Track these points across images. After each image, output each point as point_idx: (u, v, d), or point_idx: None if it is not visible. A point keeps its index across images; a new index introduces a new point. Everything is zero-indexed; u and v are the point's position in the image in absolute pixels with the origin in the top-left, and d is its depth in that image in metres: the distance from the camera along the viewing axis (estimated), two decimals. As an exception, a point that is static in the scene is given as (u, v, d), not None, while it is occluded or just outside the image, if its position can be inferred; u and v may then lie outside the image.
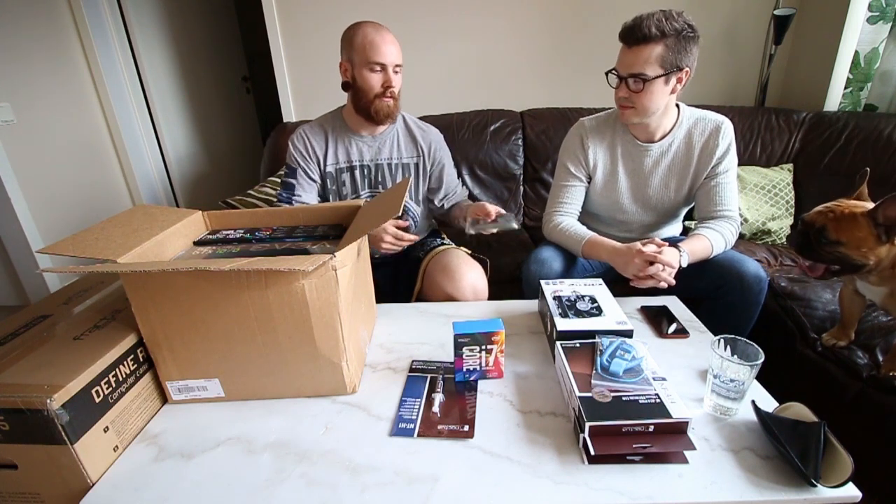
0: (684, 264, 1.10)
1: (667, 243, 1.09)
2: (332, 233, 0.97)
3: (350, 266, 0.80)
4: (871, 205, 0.89)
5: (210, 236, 0.97)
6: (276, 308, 0.73)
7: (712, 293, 1.19)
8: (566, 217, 1.30)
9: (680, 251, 1.09)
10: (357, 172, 1.32)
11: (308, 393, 0.82)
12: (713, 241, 1.16)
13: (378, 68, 1.21)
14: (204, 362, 0.78)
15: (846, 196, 0.96)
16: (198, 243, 0.96)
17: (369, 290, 1.02)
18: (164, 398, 0.82)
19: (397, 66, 1.23)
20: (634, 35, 1.07)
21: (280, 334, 0.75)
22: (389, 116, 1.26)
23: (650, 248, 1.07)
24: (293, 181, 1.30)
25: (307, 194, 1.30)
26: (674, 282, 1.05)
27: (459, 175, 2.03)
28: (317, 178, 1.32)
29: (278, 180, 1.89)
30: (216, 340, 0.76)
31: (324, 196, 1.35)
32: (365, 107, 1.24)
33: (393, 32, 1.23)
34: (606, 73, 1.17)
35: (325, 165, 1.30)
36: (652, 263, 1.05)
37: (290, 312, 0.73)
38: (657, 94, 1.11)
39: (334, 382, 0.80)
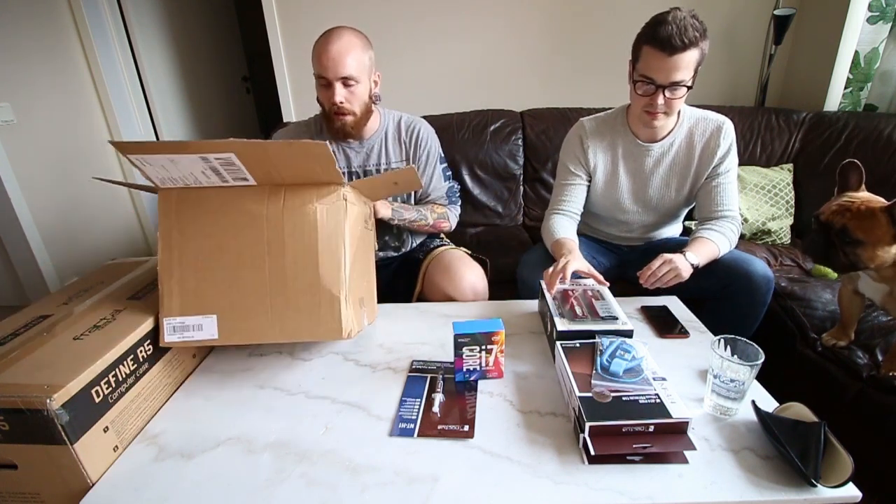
0: (693, 262, 1.09)
1: (668, 257, 1.06)
2: None
3: (358, 209, 0.85)
4: (883, 200, 0.88)
5: None
6: (288, 231, 0.78)
7: (718, 293, 1.19)
8: (562, 216, 1.29)
9: (689, 260, 1.08)
10: (345, 179, 1.29)
11: (304, 336, 0.83)
12: (719, 244, 1.15)
13: (324, 83, 1.11)
14: (208, 294, 0.81)
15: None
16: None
17: (371, 278, 1.01)
18: (165, 397, 0.82)
19: (345, 78, 1.09)
20: (675, 43, 1.01)
21: (287, 259, 0.79)
22: (350, 136, 1.19)
23: (648, 274, 1.06)
24: None
25: None
26: (685, 277, 1.05)
27: (456, 177, 1.99)
28: None
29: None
30: (227, 268, 0.80)
31: None
32: (327, 124, 1.19)
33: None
34: (634, 82, 1.11)
35: None
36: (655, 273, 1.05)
37: (301, 236, 0.79)
38: (685, 95, 1.11)
39: (332, 322, 0.81)
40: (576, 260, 1.04)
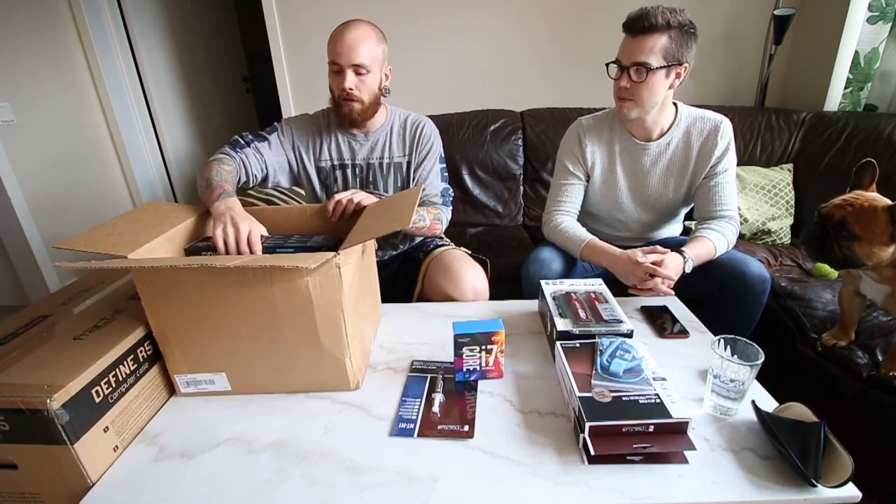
0: (688, 270, 1.10)
1: (668, 250, 1.09)
2: (326, 244, 0.94)
3: (354, 264, 0.80)
4: (888, 200, 0.88)
5: (200, 243, 0.94)
6: (282, 305, 0.74)
7: (715, 293, 1.19)
8: (566, 217, 1.30)
9: (685, 257, 1.09)
10: (349, 171, 1.29)
11: (313, 388, 0.82)
12: (716, 242, 1.16)
13: (336, 69, 1.15)
14: (211, 357, 0.79)
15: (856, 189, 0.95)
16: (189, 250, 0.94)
17: (374, 289, 1.02)
18: (165, 398, 0.82)
19: (357, 66, 1.13)
20: (640, 24, 1.07)
21: (285, 331, 0.76)
22: (355, 123, 1.21)
23: (652, 258, 1.07)
24: (263, 140, 1.23)
25: (255, 161, 1.19)
26: (672, 293, 1.06)
27: (456, 177, 1.99)
28: (279, 162, 1.25)
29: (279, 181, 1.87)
30: (223, 336, 0.77)
31: (312, 192, 1.31)
32: (335, 110, 1.21)
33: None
34: (607, 64, 1.16)
35: (318, 160, 1.28)
36: (652, 276, 1.05)
37: (295, 309, 0.74)
38: (657, 86, 1.11)
39: (338, 378, 0.81)
40: (638, 251, 1.10)
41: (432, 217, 1.27)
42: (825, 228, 0.93)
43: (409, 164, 1.31)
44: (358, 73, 1.15)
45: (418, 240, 1.42)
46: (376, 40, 1.17)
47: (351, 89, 1.15)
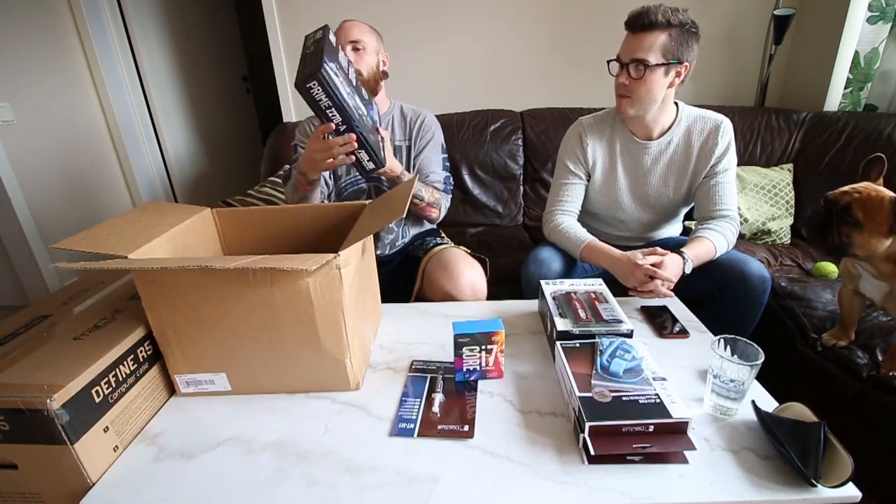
0: (688, 271, 1.10)
1: (668, 252, 1.09)
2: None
3: (354, 265, 0.80)
4: (893, 193, 0.88)
5: None
6: (281, 306, 0.74)
7: (715, 293, 1.19)
8: (566, 217, 1.30)
9: (685, 258, 1.09)
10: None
11: (313, 388, 0.82)
12: (716, 242, 1.16)
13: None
14: (211, 357, 0.79)
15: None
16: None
17: (374, 289, 1.03)
18: (165, 398, 0.82)
19: (353, 41, 1.24)
20: (641, 21, 1.08)
21: (285, 331, 0.76)
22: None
23: (652, 259, 1.07)
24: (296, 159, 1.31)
25: None
26: (672, 294, 1.06)
27: (454, 170, 1.99)
28: None
29: (279, 180, 1.89)
30: (223, 336, 0.77)
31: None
32: None
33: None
34: (608, 62, 1.18)
35: None
36: (652, 277, 1.05)
37: (295, 310, 0.74)
38: (656, 84, 1.12)
39: (338, 379, 0.81)
40: (638, 252, 1.10)
41: (433, 199, 1.32)
42: (829, 214, 0.94)
43: (409, 148, 1.35)
44: (356, 49, 1.24)
45: (415, 231, 1.43)
46: (369, 29, 1.29)
47: (350, 61, 1.21)
